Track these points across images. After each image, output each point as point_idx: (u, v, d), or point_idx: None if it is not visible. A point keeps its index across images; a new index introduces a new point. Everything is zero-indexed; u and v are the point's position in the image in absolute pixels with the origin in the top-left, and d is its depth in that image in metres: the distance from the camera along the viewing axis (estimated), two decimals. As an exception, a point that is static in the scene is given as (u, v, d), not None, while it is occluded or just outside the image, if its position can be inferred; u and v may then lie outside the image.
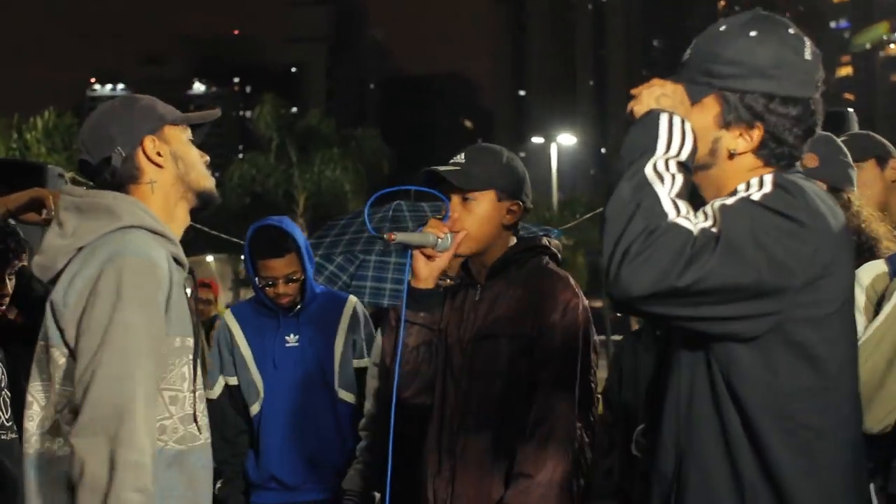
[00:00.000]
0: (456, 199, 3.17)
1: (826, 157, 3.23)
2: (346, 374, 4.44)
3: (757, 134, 2.13)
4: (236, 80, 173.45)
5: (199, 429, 2.54)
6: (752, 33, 2.14)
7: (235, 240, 21.54)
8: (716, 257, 1.88)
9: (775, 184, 2.05)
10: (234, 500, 4.45)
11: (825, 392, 2.03)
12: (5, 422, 3.31)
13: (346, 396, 4.44)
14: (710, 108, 2.15)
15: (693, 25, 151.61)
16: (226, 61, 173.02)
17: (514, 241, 3.30)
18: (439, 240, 3.05)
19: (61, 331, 2.41)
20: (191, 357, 2.53)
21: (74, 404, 2.34)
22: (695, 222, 1.93)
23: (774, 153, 2.15)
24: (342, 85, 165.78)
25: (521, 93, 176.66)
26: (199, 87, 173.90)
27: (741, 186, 2.11)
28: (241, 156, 47.48)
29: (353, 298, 4.64)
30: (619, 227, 1.92)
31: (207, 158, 2.72)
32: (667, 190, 1.97)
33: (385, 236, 2.96)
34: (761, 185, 2.07)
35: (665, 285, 1.86)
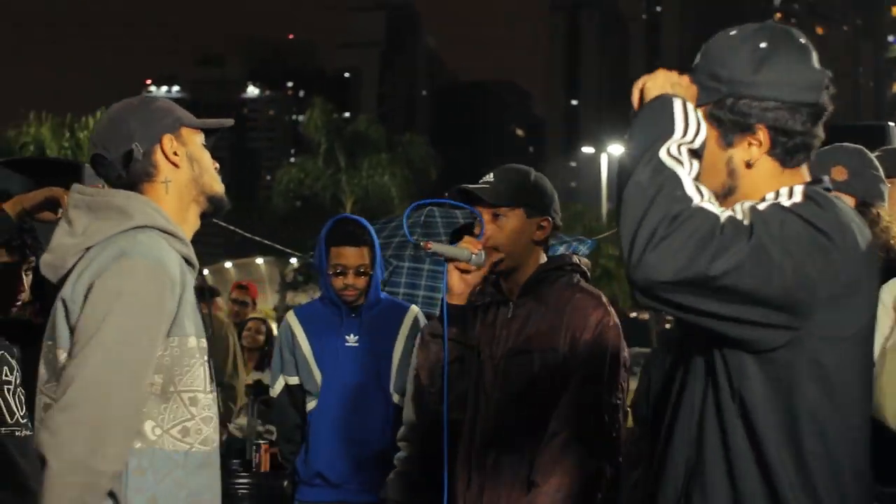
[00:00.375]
0: (487, 216, 3.21)
1: (856, 170, 3.15)
2: (401, 379, 4.45)
3: (763, 134, 2.07)
4: (290, 84, 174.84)
5: (215, 430, 2.52)
6: (763, 44, 2.09)
7: (279, 247, 21.71)
8: (747, 252, 1.82)
9: (805, 194, 1.99)
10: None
11: (834, 417, 1.96)
12: (20, 418, 3.31)
13: (399, 400, 4.46)
14: (708, 136, 2.07)
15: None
16: (280, 65, 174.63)
17: (544, 258, 3.34)
18: (473, 255, 3.08)
19: (70, 328, 2.38)
20: (206, 358, 2.50)
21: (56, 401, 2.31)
22: (721, 209, 1.88)
23: (787, 147, 2.08)
24: (394, 91, 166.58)
25: (574, 102, 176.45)
26: (252, 91, 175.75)
27: (770, 195, 2.04)
28: (292, 160, 47.77)
29: (415, 308, 4.68)
30: (640, 211, 1.86)
31: (217, 165, 2.71)
32: (687, 172, 1.90)
33: (421, 244, 3.02)
34: (791, 194, 2.01)
35: (692, 272, 1.80)
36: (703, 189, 1.90)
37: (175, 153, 2.57)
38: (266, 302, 36.93)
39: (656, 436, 2.22)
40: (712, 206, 1.86)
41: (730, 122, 2.08)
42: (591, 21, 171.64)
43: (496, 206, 3.21)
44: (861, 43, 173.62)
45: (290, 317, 4.63)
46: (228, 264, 50.84)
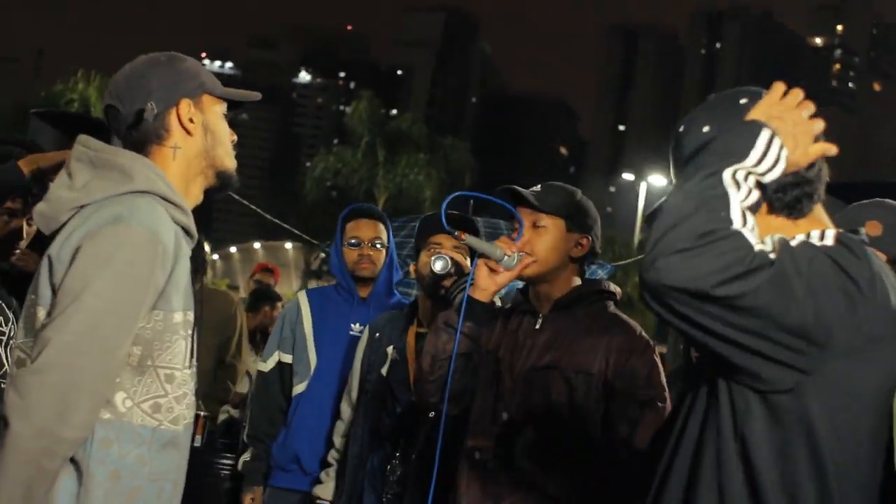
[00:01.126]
0: (527, 222, 3.18)
1: (892, 226, 3.07)
2: None
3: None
4: (342, 74, 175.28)
5: (188, 407, 2.44)
6: (707, 129, 2.09)
7: (302, 235, 21.67)
8: (767, 278, 1.76)
9: (838, 240, 1.92)
10: (252, 479, 4.49)
11: (840, 474, 1.87)
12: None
13: None
14: None
15: (801, 75, 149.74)
16: (334, 54, 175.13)
17: (577, 279, 3.30)
18: (506, 256, 3.05)
19: (53, 287, 2.29)
20: (190, 331, 2.42)
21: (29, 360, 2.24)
22: (757, 241, 1.82)
23: (787, 202, 2.04)
24: (444, 92, 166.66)
25: (621, 128, 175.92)
26: (304, 76, 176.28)
27: (800, 235, 1.96)
28: (334, 150, 47.88)
29: None
30: (677, 217, 1.81)
31: (235, 138, 2.60)
32: (740, 199, 1.84)
33: (456, 234, 2.96)
34: (822, 237, 1.94)
35: (707, 285, 1.74)
36: (750, 218, 1.84)
37: (191, 120, 2.46)
38: (290, 286, 36.95)
39: (653, 469, 2.16)
40: (751, 236, 1.80)
41: None
42: (647, 48, 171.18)
43: (539, 211, 3.18)
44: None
45: (301, 295, 4.60)
46: (257, 245, 50.96)
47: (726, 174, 1.85)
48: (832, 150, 2.06)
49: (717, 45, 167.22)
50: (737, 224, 1.80)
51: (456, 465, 3.23)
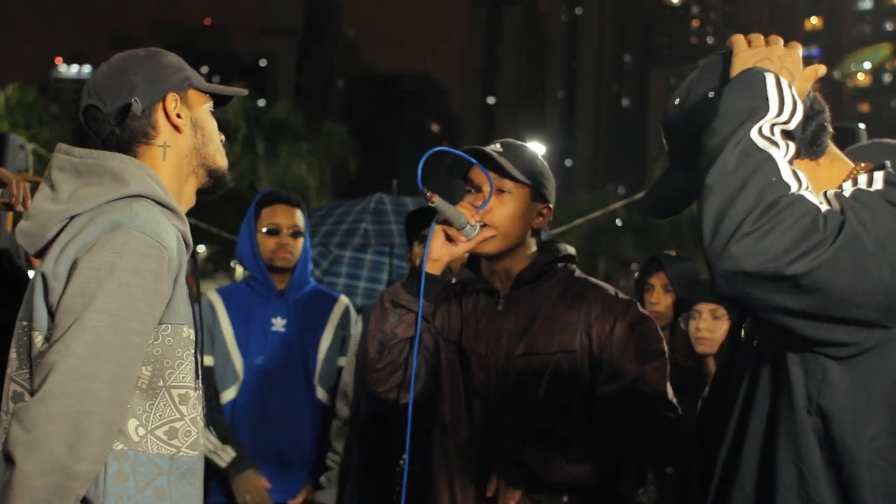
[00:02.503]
0: (487, 188, 2.87)
1: None
2: (327, 371, 4.21)
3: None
4: (205, 69, 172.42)
5: (200, 432, 2.24)
6: (711, 94, 1.96)
7: (204, 224, 21.20)
8: (839, 245, 1.63)
9: (887, 181, 1.80)
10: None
11: None
12: None
13: (322, 395, 4.19)
14: None
15: (664, 43, 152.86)
16: (195, 49, 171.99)
17: (534, 248, 3.01)
18: (468, 226, 2.78)
19: (49, 308, 2.07)
20: (192, 350, 2.22)
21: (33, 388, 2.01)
22: (819, 199, 1.69)
23: (808, 138, 1.95)
24: (311, 80, 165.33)
25: (490, 100, 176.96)
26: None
27: (846, 184, 1.85)
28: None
29: (344, 298, 4.44)
30: (726, 196, 1.67)
31: (223, 137, 2.44)
32: (783, 156, 1.71)
33: (428, 194, 2.69)
34: (871, 181, 1.82)
35: (784, 266, 1.61)
36: (801, 175, 1.71)
37: (179, 115, 2.29)
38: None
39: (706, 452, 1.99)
40: (812, 196, 1.67)
41: None
42: (510, 19, 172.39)
43: (504, 176, 2.87)
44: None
45: (213, 294, 4.28)
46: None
47: (754, 134, 1.72)
48: (822, 69, 1.96)
49: (577, 11, 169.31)
50: (793, 186, 1.67)
51: (432, 468, 2.96)
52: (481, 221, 2.84)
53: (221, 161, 2.40)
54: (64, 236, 2.12)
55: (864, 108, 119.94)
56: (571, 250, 3.06)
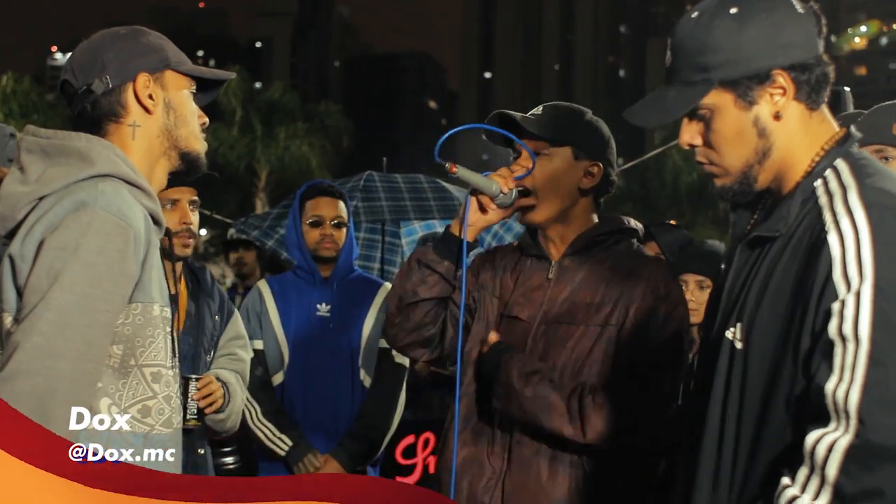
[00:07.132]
0: (526, 152, 2.83)
1: None
2: (369, 354, 4.37)
3: (783, 79, 1.96)
4: (200, 53, 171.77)
5: (175, 410, 2.25)
6: (733, 10, 1.96)
7: (206, 211, 21.28)
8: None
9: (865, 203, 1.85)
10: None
11: None
12: None
13: (365, 378, 4.37)
14: (725, 102, 1.97)
15: (659, 13, 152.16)
16: (191, 33, 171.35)
17: (595, 217, 2.97)
18: (502, 193, 2.74)
19: (18, 289, 2.10)
20: (168, 329, 2.24)
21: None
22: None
23: (811, 83, 1.98)
24: (307, 61, 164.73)
25: (487, 75, 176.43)
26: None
27: (818, 187, 1.93)
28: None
29: (388, 284, 4.57)
30: None
31: (206, 120, 2.43)
32: None
33: (447, 165, 2.66)
34: (847, 203, 1.86)
35: None
36: None
37: (150, 96, 2.30)
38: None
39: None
40: None
41: (745, 81, 1.96)
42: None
43: (539, 139, 2.82)
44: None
45: (262, 284, 4.51)
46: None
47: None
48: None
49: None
50: None
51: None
52: (520, 187, 2.81)
53: (195, 145, 2.39)
54: (31, 217, 2.12)
55: (861, 71, 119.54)
56: (636, 224, 3.00)
